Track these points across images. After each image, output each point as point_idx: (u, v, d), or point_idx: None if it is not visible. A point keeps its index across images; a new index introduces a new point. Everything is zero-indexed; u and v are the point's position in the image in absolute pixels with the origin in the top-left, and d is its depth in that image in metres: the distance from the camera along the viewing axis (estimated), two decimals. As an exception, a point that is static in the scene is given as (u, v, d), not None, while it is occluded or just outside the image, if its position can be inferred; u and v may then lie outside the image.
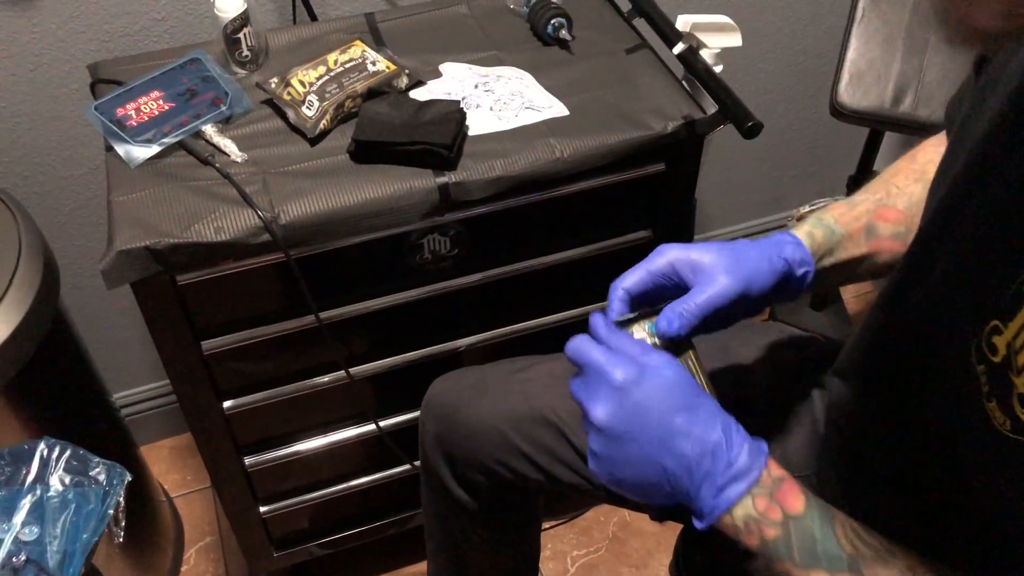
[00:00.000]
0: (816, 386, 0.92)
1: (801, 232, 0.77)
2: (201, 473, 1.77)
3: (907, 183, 0.83)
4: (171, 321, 1.09)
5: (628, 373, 0.64)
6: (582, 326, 1.35)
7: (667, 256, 0.74)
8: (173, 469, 1.79)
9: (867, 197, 0.83)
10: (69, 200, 1.42)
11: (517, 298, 1.29)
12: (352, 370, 1.23)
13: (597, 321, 0.70)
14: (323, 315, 1.15)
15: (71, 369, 1.35)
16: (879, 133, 1.52)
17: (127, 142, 1.07)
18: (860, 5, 1.34)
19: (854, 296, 2.05)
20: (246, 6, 1.15)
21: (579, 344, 0.68)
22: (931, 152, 0.86)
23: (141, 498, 1.54)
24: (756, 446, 0.65)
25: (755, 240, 0.76)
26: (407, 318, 1.23)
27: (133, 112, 1.10)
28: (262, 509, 1.39)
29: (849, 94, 1.32)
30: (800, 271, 0.76)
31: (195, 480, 1.78)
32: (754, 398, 0.94)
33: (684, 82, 1.24)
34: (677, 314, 0.70)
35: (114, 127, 1.08)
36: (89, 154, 1.38)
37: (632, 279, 0.74)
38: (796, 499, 0.64)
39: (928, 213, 0.69)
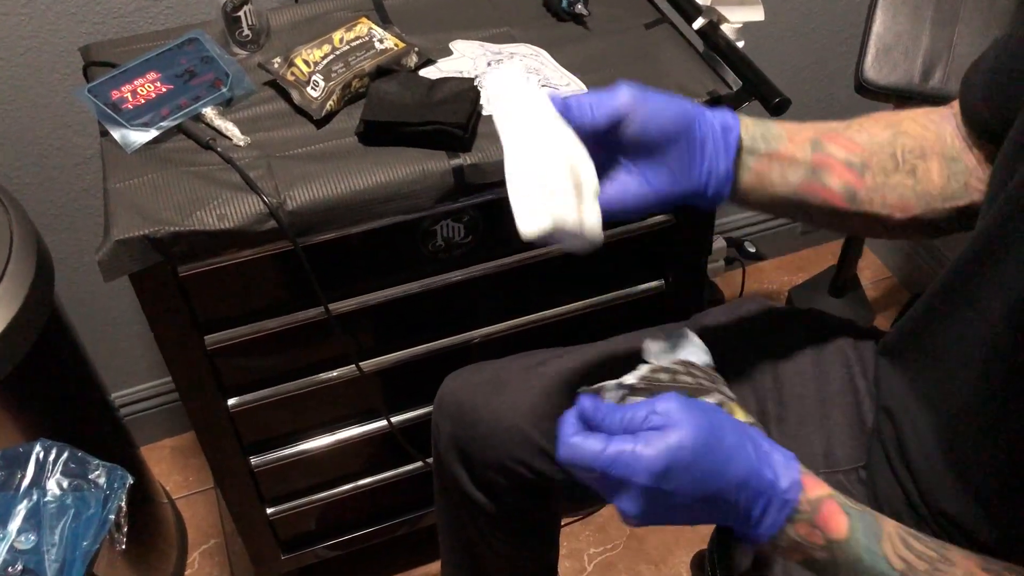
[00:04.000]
0: (858, 371, 0.87)
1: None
2: (204, 473, 1.71)
3: (875, 126, 0.76)
4: (172, 315, 1.03)
5: (644, 472, 0.57)
6: (600, 315, 1.30)
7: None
8: (175, 470, 1.74)
9: (816, 123, 0.77)
10: (63, 191, 1.36)
11: (533, 287, 1.24)
12: (362, 364, 1.18)
13: (583, 407, 0.62)
14: (332, 307, 1.09)
15: (67, 367, 1.29)
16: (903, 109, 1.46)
17: (123, 126, 1.02)
18: (886, -24, 1.28)
19: (872, 282, 2.00)
20: (246, -18, 1.09)
21: (575, 452, 0.59)
22: (920, 114, 0.78)
23: (142, 500, 1.49)
24: (787, 468, 0.60)
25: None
26: (419, 309, 1.17)
27: (129, 95, 1.04)
28: (269, 510, 1.33)
29: (876, 69, 1.27)
30: (725, 132, 0.70)
31: (197, 481, 1.72)
32: (791, 389, 0.88)
33: (705, 58, 1.18)
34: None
35: (109, 110, 1.02)
36: (83, 142, 1.32)
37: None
38: (839, 522, 0.60)
39: (1009, 191, 0.63)
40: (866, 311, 1.78)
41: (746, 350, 0.90)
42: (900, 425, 0.76)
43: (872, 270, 2.03)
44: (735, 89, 1.13)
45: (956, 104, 0.77)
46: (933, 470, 0.71)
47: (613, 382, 0.66)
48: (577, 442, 0.59)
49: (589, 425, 0.61)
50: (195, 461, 1.74)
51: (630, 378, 0.67)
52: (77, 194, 1.37)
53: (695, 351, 0.72)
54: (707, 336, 0.93)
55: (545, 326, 1.26)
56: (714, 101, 1.08)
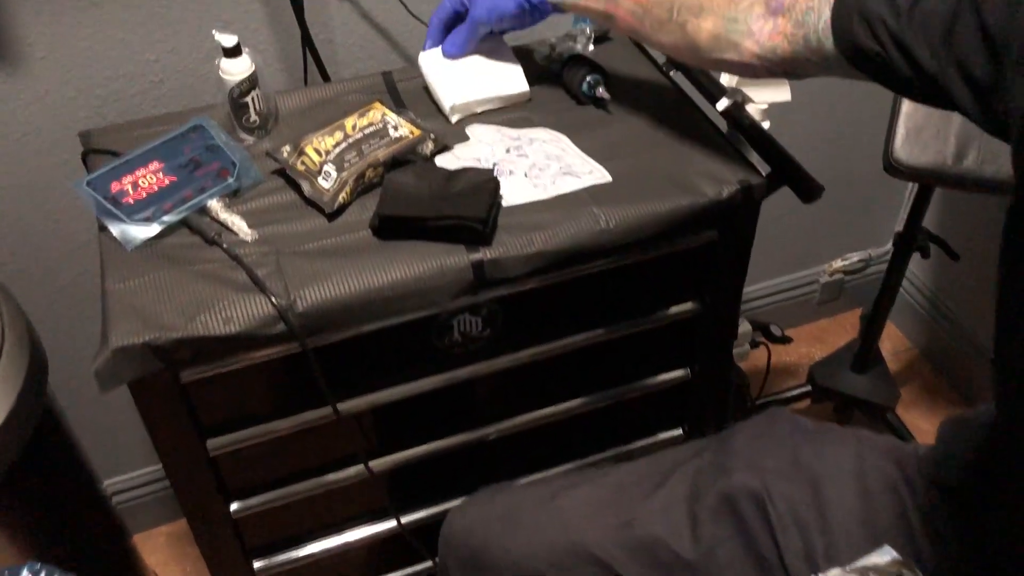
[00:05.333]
0: (909, 502, 0.80)
1: None
2: (202, 563, 1.63)
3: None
4: (173, 421, 0.97)
5: None
6: (623, 407, 1.24)
7: None
8: (171, 559, 1.66)
9: None
10: (58, 277, 1.30)
11: (554, 379, 1.17)
12: (372, 463, 1.11)
13: None
14: (341, 406, 1.03)
15: (60, 466, 1.22)
16: (930, 187, 1.42)
17: (123, 221, 0.96)
18: (914, 54, 1.24)
19: (892, 354, 1.94)
20: (254, 68, 1.05)
21: None
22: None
23: (136, 598, 1.41)
24: None
25: None
26: (433, 405, 1.11)
27: (130, 187, 0.98)
28: (272, 615, 1.25)
29: (906, 150, 1.22)
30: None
31: (195, 571, 1.64)
32: (836, 522, 0.81)
33: (730, 139, 1.14)
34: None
35: (108, 205, 0.97)
36: (81, 227, 1.27)
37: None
38: None
39: None
40: (890, 388, 1.72)
41: (783, 478, 0.83)
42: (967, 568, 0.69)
43: (892, 341, 1.97)
44: (764, 174, 1.08)
45: None
46: None
47: None
48: None
49: None
50: (192, 550, 1.65)
51: None
52: (72, 279, 1.31)
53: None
54: (740, 462, 0.87)
55: (565, 419, 1.19)
56: (745, 192, 1.03)
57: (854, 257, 1.89)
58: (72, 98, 1.16)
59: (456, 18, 1.11)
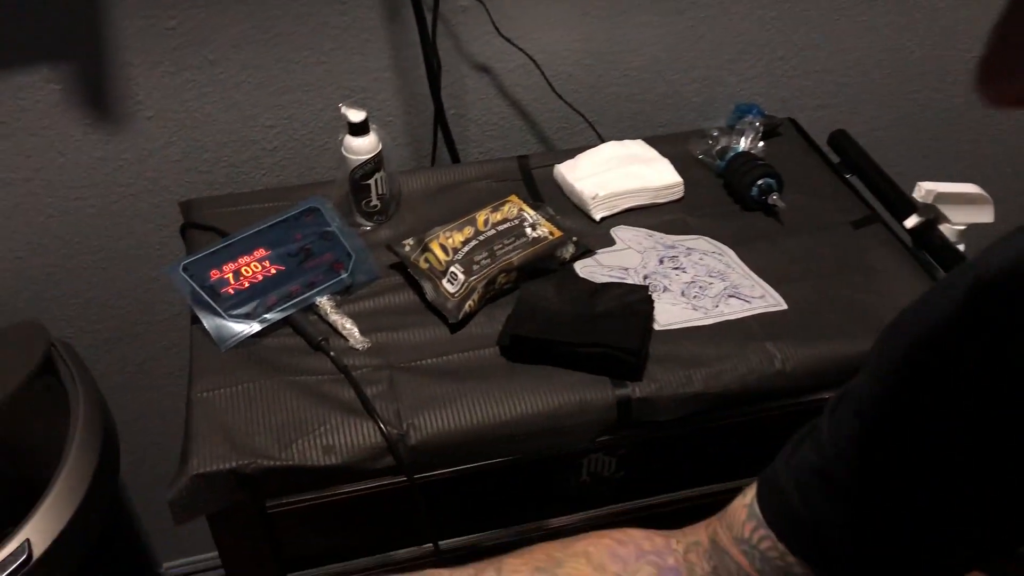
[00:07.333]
0: None
1: None
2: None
3: None
4: (254, 555, 0.83)
5: None
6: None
7: None
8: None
9: None
10: (140, 352, 1.19)
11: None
12: (470, 607, 0.95)
13: None
14: (444, 544, 0.88)
15: (126, 560, 1.10)
16: None
17: (220, 316, 0.84)
18: None
19: None
20: (381, 147, 0.92)
21: None
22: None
23: None
24: None
25: None
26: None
27: (231, 276, 0.86)
28: None
29: None
30: None
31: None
32: None
33: (918, 258, 0.97)
34: None
35: (205, 295, 0.84)
36: (171, 299, 1.15)
37: None
38: None
39: None
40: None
41: None
42: None
43: None
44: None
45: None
46: None
47: None
48: None
49: None
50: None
51: None
52: (154, 354, 1.20)
53: None
54: None
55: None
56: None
57: None
58: (176, 162, 1.05)
59: None
